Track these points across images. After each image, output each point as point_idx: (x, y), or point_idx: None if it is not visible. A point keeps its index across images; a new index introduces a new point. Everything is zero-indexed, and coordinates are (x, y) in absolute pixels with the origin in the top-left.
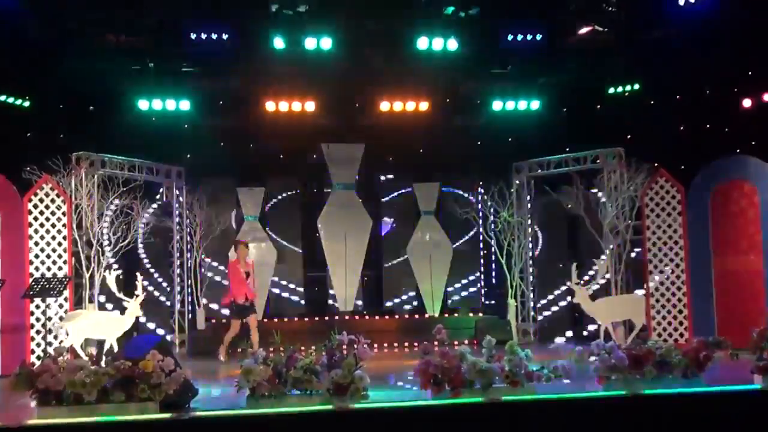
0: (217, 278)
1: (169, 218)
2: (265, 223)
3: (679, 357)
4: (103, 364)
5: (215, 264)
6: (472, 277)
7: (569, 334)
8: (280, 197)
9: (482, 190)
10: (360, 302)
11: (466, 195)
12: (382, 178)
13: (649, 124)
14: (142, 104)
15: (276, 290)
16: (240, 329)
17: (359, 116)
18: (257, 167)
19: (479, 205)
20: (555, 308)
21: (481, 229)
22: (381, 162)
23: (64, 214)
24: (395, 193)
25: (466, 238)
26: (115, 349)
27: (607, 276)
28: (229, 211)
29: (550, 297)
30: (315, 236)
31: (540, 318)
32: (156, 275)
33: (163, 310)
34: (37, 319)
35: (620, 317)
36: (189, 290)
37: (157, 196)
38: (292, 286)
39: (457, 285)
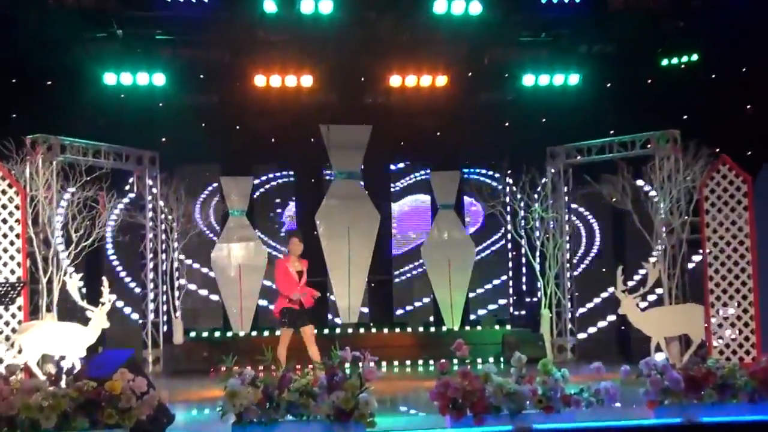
0: (192, 287)
1: (140, 213)
2: (254, 219)
3: (745, 378)
4: (63, 384)
5: (196, 266)
6: (498, 283)
7: (614, 350)
8: (271, 188)
9: (511, 180)
10: (366, 312)
11: (491, 185)
12: (393, 166)
13: (710, 102)
14: (109, 78)
15: (266, 300)
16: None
17: (365, 93)
18: (244, 153)
19: (507, 198)
20: (597, 320)
21: (509, 227)
22: (391, 147)
23: (17, 207)
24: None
25: (493, 237)
26: (78, 367)
27: (659, 283)
28: (211, 205)
29: (592, 307)
30: (312, 234)
31: (579, 332)
32: (125, 280)
33: (134, 322)
34: None
35: (675, 331)
36: (164, 298)
37: (127, 187)
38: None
39: (481, 292)
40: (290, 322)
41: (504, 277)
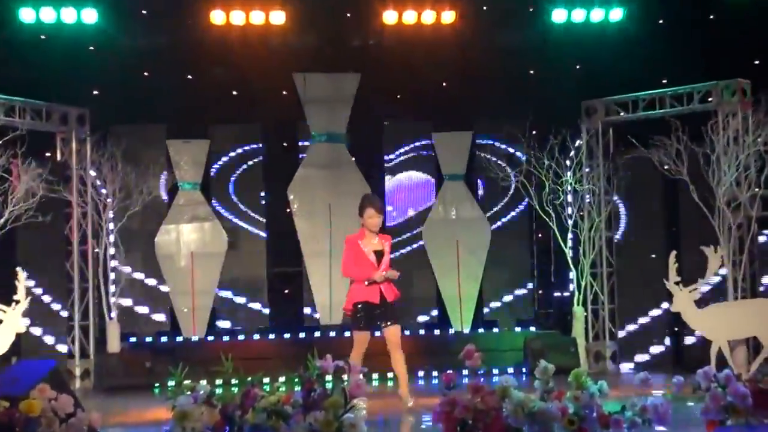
0: (139, 276)
1: (65, 186)
2: (210, 193)
3: None
4: None
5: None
6: (520, 274)
7: (657, 348)
8: (232, 155)
9: (536, 144)
10: None
11: (512, 151)
12: (387, 124)
13: None
14: (25, 14)
15: (226, 293)
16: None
17: (352, 33)
18: (198, 110)
19: (532, 166)
20: (644, 320)
21: (534, 202)
22: (385, 101)
23: None
24: (407, 147)
25: (512, 214)
26: None
27: (723, 272)
28: (156, 175)
29: (638, 303)
30: (284, 213)
31: (622, 334)
32: (46, 271)
33: (58, 324)
34: None
35: (741, 333)
36: (96, 294)
37: (48, 153)
38: (249, 287)
39: (498, 285)
40: (366, 321)
41: (528, 269)
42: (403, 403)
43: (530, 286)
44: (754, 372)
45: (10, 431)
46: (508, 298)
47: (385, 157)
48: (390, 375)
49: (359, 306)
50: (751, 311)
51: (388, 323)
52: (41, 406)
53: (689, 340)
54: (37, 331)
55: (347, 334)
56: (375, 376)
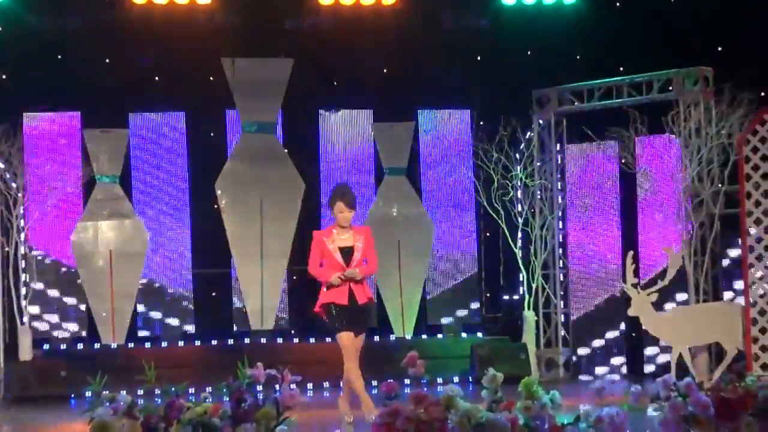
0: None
1: None
2: (130, 187)
3: None
4: None
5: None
6: (466, 276)
7: (621, 364)
8: (153, 146)
9: (484, 136)
10: (285, 316)
11: (458, 142)
12: (323, 112)
13: (754, 30)
14: None
15: (150, 294)
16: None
17: (285, 14)
18: (117, 97)
19: (479, 160)
20: (601, 327)
21: (481, 198)
22: (320, 89)
23: None
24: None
25: (458, 212)
26: None
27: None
28: (72, 168)
29: (592, 307)
30: (211, 209)
31: (578, 344)
32: None
33: None
34: None
35: (703, 338)
36: (5, 297)
37: None
38: (173, 289)
39: (443, 288)
40: (343, 322)
41: (475, 270)
42: (367, 416)
43: (474, 286)
44: (717, 380)
45: None
46: (450, 298)
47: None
48: (326, 384)
49: (330, 309)
50: (713, 316)
51: (360, 329)
52: None
53: (650, 351)
54: None
55: (279, 340)
56: (310, 385)
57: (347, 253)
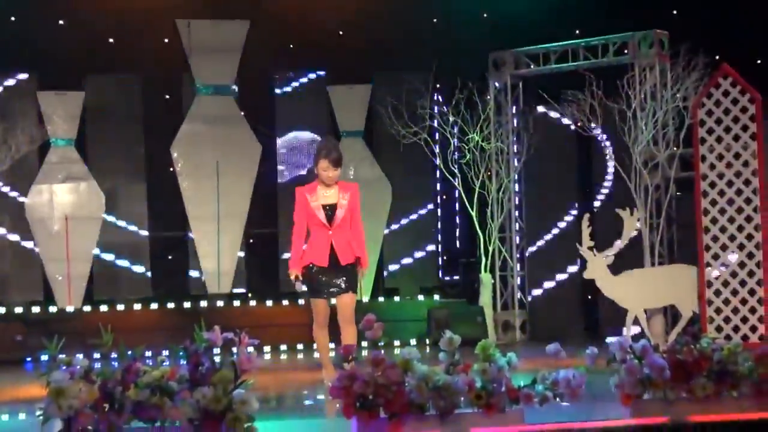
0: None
1: None
2: (85, 150)
3: (749, 364)
4: None
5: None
6: (423, 239)
7: (577, 327)
8: (108, 108)
9: (440, 98)
10: (242, 281)
11: (415, 105)
12: (278, 76)
13: None
14: None
15: (106, 257)
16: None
17: None
18: (72, 59)
19: (435, 122)
20: (554, 287)
21: (437, 161)
22: (276, 50)
23: None
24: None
25: (415, 176)
26: None
27: (637, 235)
28: (26, 131)
29: (549, 270)
30: (167, 173)
31: (531, 302)
32: None
33: None
34: None
35: (658, 301)
36: None
37: None
38: (129, 253)
39: (398, 249)
40: (316, 287)
41: (432, 233)
42: (326, 381)
43: (431, 248)
44: (672, 342)
45: None
46: (407, 261)
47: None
48: (283, 347)
49: (307, 270)
50: (669, 278)
51: (342, 291)
52: None
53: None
54: None
55: (236, 303)
56: (267, 348)
57: (331, 210)
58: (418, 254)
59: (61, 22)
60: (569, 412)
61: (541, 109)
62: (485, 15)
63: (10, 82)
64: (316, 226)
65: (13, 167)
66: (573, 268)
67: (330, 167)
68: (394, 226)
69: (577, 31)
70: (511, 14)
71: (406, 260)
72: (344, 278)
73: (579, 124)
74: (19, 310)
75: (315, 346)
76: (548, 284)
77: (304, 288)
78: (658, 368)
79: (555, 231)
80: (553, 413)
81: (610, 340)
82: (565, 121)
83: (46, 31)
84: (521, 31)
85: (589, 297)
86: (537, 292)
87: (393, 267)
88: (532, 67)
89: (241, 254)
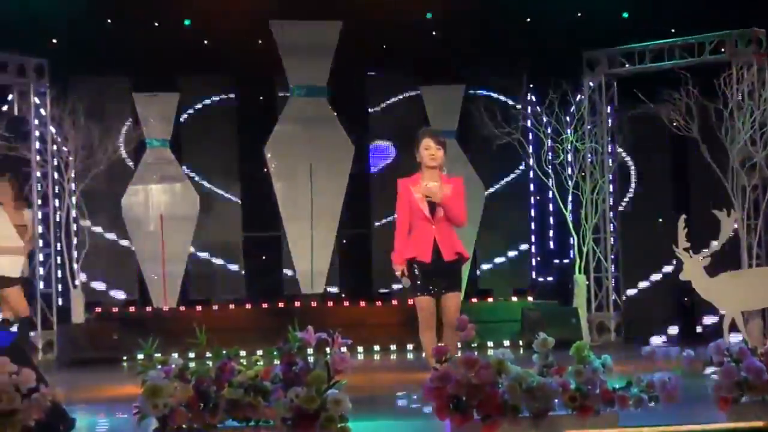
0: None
1: (24, 143)
2: (180, 151)
3: None
4: None
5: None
6: (516, 241)
7: (673, 330)
8: (202, 108)
9: (533, 98)
10: (335, 280)
11: (509, 104)
12: (372, 74)
13: None
14: None
15: (201, 255)
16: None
17: None
18: (166, 60)
19: (529, 122)
20: (650, 289)
21: (531, 161)
22: (370, 51)
23: None
24: (393, 99)
25: (509, 176)
26: None
27: (734, 236)
28: (121, 132)
29: (644, 271)
30: (261, 173)
31: (627, 304)
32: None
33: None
34: None
35: (756, 303)
36: (58, 259)
37: (5, 107)
38: (222, 256)
39: (492, 252)
40: (420, 284)
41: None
42: None
43: (524, 247)
44: None
45: None
46: (501, 260)
47: (370, 110)
48: (377, 348)
49: (411, 267)
50: (767, 280)
51: (448, 290)
52: (1, 380)
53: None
54: None
55: (330, 303)
56: (360, 349)
57: (433, 204)
58: (512, 254)
59: (156, 24)
60: (664, 416)
61: (636, 108)
62: (579, 14)
63: (115, 88)
64: (419, 220)
65: (109, 168)
66: (668, 268)
67: (432, 145)
68: (487, 227)
69: (673, 30)
70: (605, 13)
71: (500, 260)
72: (449, 277)
73: (675, 124)
74: (115, 309)
75: (423, 347)
76: (642, 284)
77: (409, 284)
78: (756, 371)
79: (650, 231)
80: (648, 416)
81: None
82: (660, 120)
83: (141, 33)
84: (616, 30)
85: (685, 299)
86: (631, 292)
87: (486, 267)
88: (626, 66)
89: (335, 254)
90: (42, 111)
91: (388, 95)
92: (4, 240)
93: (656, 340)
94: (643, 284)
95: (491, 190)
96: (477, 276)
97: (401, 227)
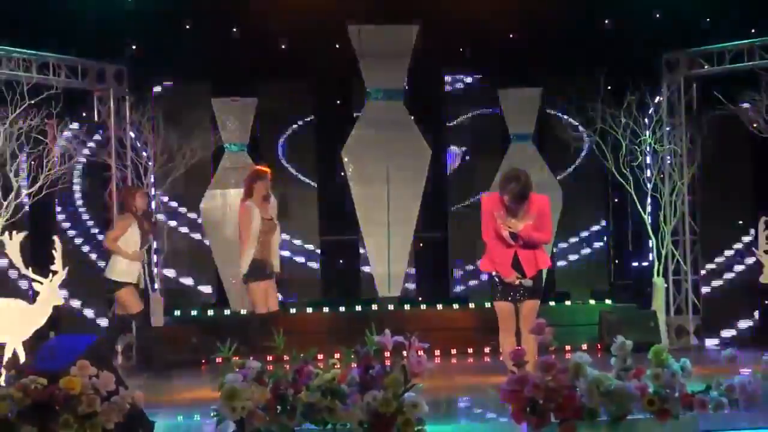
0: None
1: (104, 147)
2: (258, 154)
3: None
4: (2, 381)
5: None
6: (593, 243)
7: (745, 323)
8: (280, 114)
9: (612, 100)
10: (413, 284)
11: (586, 107)
12: (449, 79)
13: None
14: None
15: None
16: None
17: None
18: (244, 66)
19: (608, 125)
20: (730, 292)
21: (609, 164)
22: (447, 55)
23: None
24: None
25: (586, 179)
26: (22, 357)
27: None
28: (201, 136)
29: (725, 275)
30: (338, 176)
31: (705, 307)
32: (84, 240)
33: (98, 295)
34: None
35: None
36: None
37: (85, 113)
38: (300, 258)
39: (569, 255)
40: (503, 290)
41: (602, 236)
42: None
43: (605, 254)
44: None
45: (49, 410)
46: (579, 264)
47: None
48: (453, 351)
49: (496, 276)
50: None
51: (525, 296)
52: (82, 383)
53: None
54: (76, 303)
55: (407, 307)
56: (437, 352)
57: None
58: (589, 258)
59: (234, 29)
60: (745, 420)
61: (716, 110)
62: (657, 15)
63: (194, 93)
64: (502, 239)
65: (188, 172)
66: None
67: (515, 178)
68: (566, 231)
69: (753, 30)
70: (684, 14)
71: (578, 264)
72: (530, 286)
73: (756, 125)
74: (194, 313)
75: (501, 351)
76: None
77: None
78: None
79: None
80: (728, 421)
81: None
82: (741, 122)
83: (219, 37)
84: (695, 30)
85: (766, 302)
86: (706, 290)
87: (563, 270)
88: (706, 67)
89: (411, 257)
90: (122, 116)
91: (466, 106)
92: (129, 245)
93: (727, 334)
94: (716, 282)
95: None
96: (554, 278)
97: (490, 239)
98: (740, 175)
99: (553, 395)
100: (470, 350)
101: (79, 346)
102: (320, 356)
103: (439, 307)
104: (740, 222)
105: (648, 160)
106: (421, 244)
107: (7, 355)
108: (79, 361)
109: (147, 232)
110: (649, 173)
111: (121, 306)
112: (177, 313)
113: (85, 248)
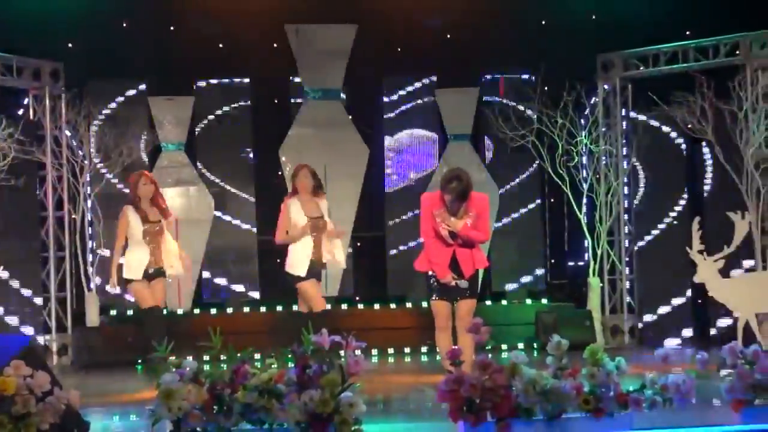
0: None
1: (38, 147)
2: (195, 154)
3: None
4: None
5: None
6: (530, 243)
7: (687, 332)
8: (218, 113)
9: (548, 101)
10: (349, 284)
11: (521, 108)
12: (386, 79)
13: None
14: None
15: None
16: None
17: None
18: (182, 64)
19: (544, 125)
20: (666, 295)
21: (545, 164)
22: (384, 54)
23: None
24: (408, 105)
25: (521, 177)
26: None
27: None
28: (137, 135)
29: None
30: (276, 176)
31: (645, 311)
32: (16, 239)
33: (29, 298)
34: None
35: None
36: (72, 264)
37: (20, 111)
38: (237, 255)
39: (508, 254)
40: (439, 289)
41: (540, 237)
42: None
43: (542, 254)
44: None
45: None
46: (526, 278)
47: (385, 116)
48: (390, 351)
49: (431, 275)
50: None
51: (461, 296)
52: (16, 383)
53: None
54: None
55: (344, 306)
56: (374, 352)
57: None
58: (526, 258)
59: (171, 27)
60: (678, 418)
61: (650, 111)
62: (593, 16)
63: (131, 92)
64: (440, 238)
65: (124, 171)
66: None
67: (451, 198)
68: (501, 229)
69: (688, 32)
70: (619, 15)
71: (514, 264)
72: (465, 283)
73: (689, 126)
74: (130, 312)
75: (438, 350)
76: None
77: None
78: None
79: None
80: (662, 419)
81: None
82: (671, 124)
83: (156, 37)
84: (630, 32)
85: (699, 301)
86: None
87: (500, 270)
88: (641, 68)
89: (349, 257)
90: (58, 115)
91: (402, 100)
92: (134, 238)
93: (670, 343)
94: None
95: (505, 191)
96: (490, 278)
97: (427, 239)
98: (673, 176)
99: (490, 394)
100: (407, 350)
101: (13, 346)
102: (257, 356)
103: (376, 306)
104: (675, 222)
105: (584, 160)
106: (359, 244)
107: None
108: (13, 362)
109: (154, 221)
110: (585, 173)
111: (136, 301)
112: (112, 312)
113: None
